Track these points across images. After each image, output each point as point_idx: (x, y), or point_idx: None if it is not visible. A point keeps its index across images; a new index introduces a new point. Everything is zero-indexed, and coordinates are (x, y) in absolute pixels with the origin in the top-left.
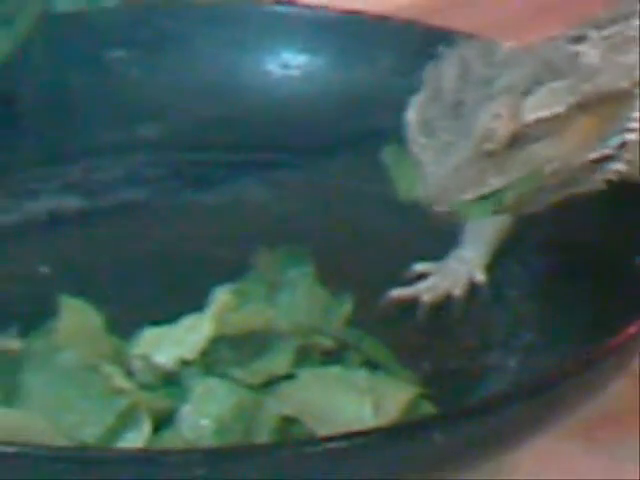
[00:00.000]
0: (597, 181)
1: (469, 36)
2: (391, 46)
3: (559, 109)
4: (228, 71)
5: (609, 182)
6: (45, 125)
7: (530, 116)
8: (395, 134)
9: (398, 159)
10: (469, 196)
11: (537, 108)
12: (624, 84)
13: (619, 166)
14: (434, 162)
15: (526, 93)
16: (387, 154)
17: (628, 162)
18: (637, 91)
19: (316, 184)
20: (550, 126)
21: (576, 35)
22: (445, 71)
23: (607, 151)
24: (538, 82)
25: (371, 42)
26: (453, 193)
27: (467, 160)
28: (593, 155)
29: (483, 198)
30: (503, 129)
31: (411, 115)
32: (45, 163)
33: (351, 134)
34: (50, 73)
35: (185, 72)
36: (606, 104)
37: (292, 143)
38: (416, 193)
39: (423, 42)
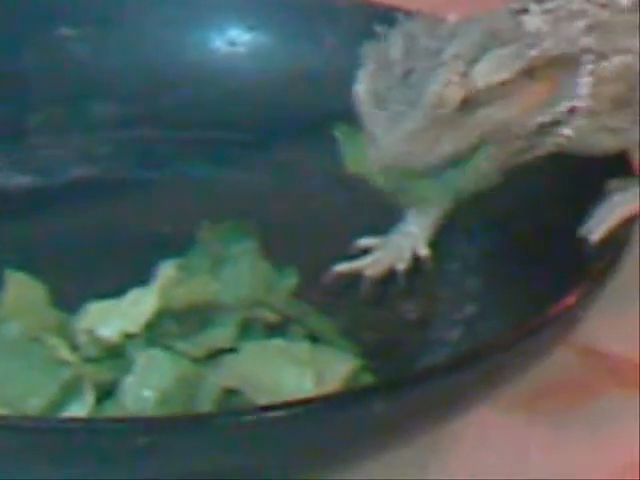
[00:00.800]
0: (547, 147)
1: (413, 13)
2: (337, 23)
3: (506, 75)
4: (174, 48)
5: (559, 148)
6: None
7: (479, 82)
8: (341, 111)
9: (349, 136)
10: (424, 165)
11: (486, 74)
12: (571, 49)
13: (568, 131)
14: (386, 132)
15: (474, 60)
16: (338, 131)
17: (577, 128)
18: (584, 57)
19: (261, 160)
20: (499, 91)
21: (518, 8)
22: (391, 45)
23: (556, 116)
24: (485, 49)
25: (317, 19)
26: (406, 161)
27: (419, 127)
28: (542, 119)
29: (440, 182)
30: (454, 94)
31: (360, 87)
32: None
33: (297, 111)
34: None
35: (132, 50)
36: (553, 69)
37: (238, 120)
38: (366, 169)
39: (369, 19)
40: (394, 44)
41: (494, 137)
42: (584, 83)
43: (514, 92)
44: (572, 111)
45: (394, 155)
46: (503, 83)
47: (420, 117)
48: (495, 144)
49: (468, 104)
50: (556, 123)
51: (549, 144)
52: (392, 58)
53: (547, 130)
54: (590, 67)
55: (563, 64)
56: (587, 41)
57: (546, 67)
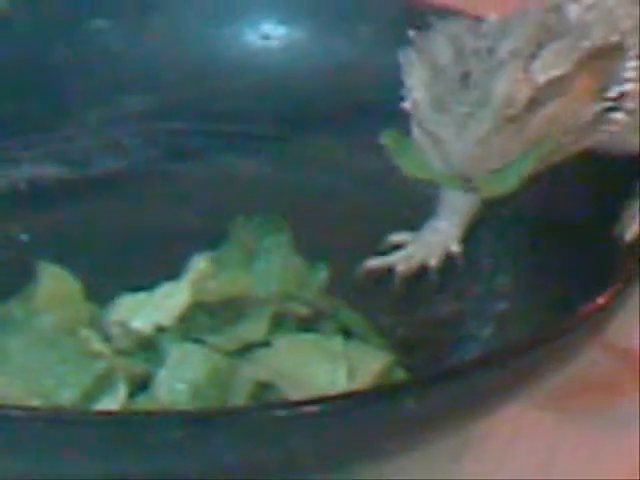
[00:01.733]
0: (602, 133)
1: (446, 8)
2: (371, 17)
3: (566, 68)
4: (208, 42)
5: (603, 140)
6: (27, 94)
7: (541, 78)
8: (374, 106)
9: (399, 142)
10: (496, 166)
11: (546, 69)
12: (615, 37)
13: (620, 116)
14: (456, 137)
15: (532, 56)
16: (387, 138)
17: (628, 112)
18: (628, 42)
19: (294, 154)
20: (559, 85)
21: (555, 4)
22: (438, 49)
23: (609, 102)
24: (540, 45)
25: (351, 13)
26: (480, 165)
27: (491, 129)
28: (597, 107)
29: (504, 170)
30: (522, 92)
31: (418, 93)
32: (26, 132)
33: (330, 105)
34: (33, 42)
35: (166, 43)
36: (602, 58)
37: (271, 114)
38: (429, 172)
39: (402, 13)
40: (441, 48)
41: (556, 131)
42: (630, 67)
43: (570, 85)
44: (622, 96)
45: (467, 159)
46: (562, 77)
47: (490, 118)
48: (557, 136)
49: (532, 102)
50: (608, 110)
51: (600, 134)
52: (443, 62)
53: (600, 118)
54: (634, 52)
55: (610, 51)
56: (629, 25)
57: (595, 56)
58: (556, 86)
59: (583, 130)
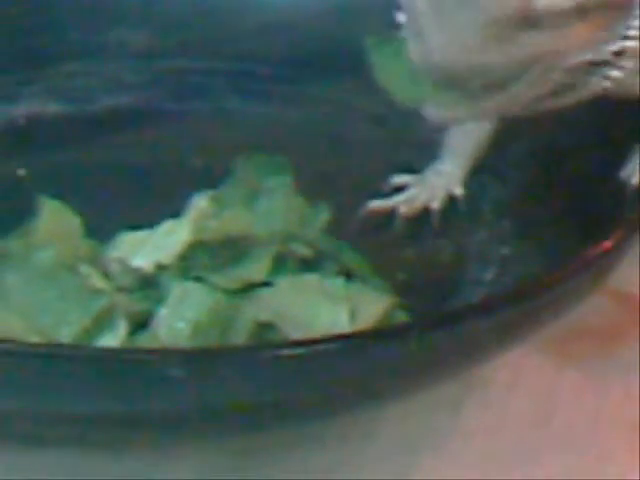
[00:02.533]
0: (592, 86)
1: None
2: None
3: (569, 3)
4: None
5: (603, 91)
6: (27, 29)
7: (541, 3)
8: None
9: (380, 46)
10: (466, 68)
11: None
12: None
13: (615, 73)
14: (438, 30)
15: None
16: (369, 41)
17: (624, 70)
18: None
19: (297, 94)
20: (555, 19)
21: None
22: None
23: (604, 56)
24: None
25: None
26: (452, 62)
27: (472, 29)
28: (591, 57)
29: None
30: (514, 4)
31: None
32: (27, 67)
33: (333, 45)
34: None
35: None
36: (611, 9)
37: (274, 53)
38: (395, 81)
39: None
40: None
41: (541, 65)
42: (635, 26)
43: (569, 24)
44: (620, 54)
45: (442, 54)
46: (563, 11)
47: (474, 20)
48: (541, 71)
49: (523, 22)
50: (603, 63)
51: (593, 84)
52: None
53: (593, 70)
54: None
55: (618, 6)
56: None
57: (602, 7)
58: (553, 18)
59: (573, 77)
